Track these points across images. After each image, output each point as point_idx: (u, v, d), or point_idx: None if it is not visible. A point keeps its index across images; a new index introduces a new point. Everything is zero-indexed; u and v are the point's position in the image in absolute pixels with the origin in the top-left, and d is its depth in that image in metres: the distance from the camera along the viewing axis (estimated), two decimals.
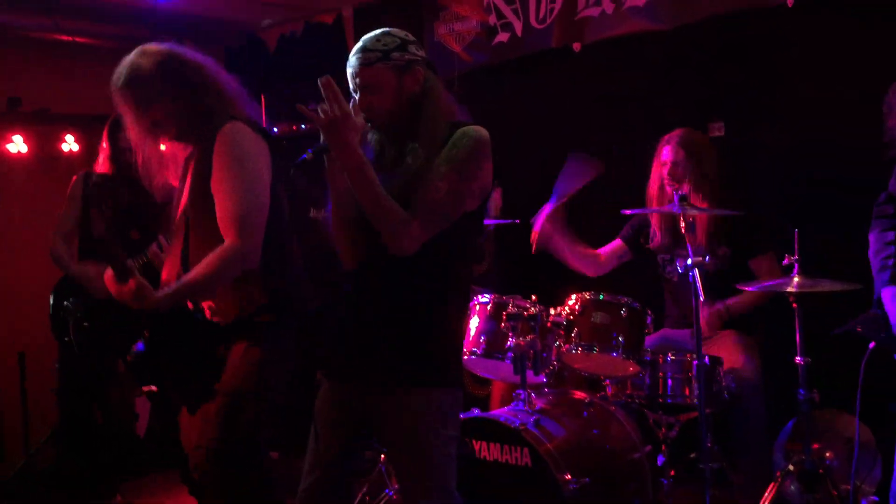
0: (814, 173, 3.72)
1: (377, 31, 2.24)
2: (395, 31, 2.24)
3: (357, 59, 2.19)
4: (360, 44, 2.21)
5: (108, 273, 2.42)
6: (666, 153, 3.65)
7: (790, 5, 3.69)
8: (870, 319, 1.97)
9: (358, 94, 2.21)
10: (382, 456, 3.56)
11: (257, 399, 2.48)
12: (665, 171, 3.63)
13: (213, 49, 5.74)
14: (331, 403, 2.30)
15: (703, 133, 3.95)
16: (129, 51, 2.58)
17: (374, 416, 2.24)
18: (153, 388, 2.62)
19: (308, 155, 2.08)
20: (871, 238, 1.99)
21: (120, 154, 3.75)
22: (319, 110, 2.06)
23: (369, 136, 2.27)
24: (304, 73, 2.81)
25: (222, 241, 2.42)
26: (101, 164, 3.87)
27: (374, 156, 2.24)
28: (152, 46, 2.57)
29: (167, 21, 5.27)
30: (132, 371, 2.67)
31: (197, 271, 2.42)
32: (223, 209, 2.43)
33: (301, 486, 2.29)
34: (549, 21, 4.52)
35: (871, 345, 2.02)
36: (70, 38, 5.22)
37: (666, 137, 3.70)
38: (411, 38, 2.25)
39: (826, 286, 2.99)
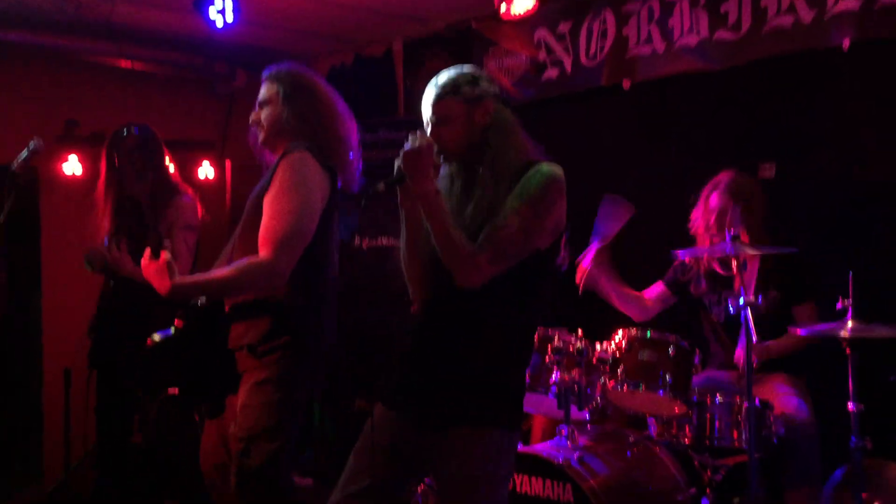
0: (868, 215, 3.67)
1: (451, 67, 2.33)
2: (468, 66, 2.34)
3: (430, 93, 2.29)
4: (433, 79, 2.30)
5: (146, 253, 2.47)
6: (714, 200, 3.62)
7: (845, 49, 3.67)
8: None
9: (430, 126, 2.28)
10: (421, 486, 3.54)
11: (270, 440, 2.50)
12: (712, 218, 3.60)
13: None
14: (384, 429, 2.27)
15: (753, 174, 3.92)
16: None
17: (429, 452, 2.22)
18: (175, 390, 2.61)
19: (381, 185, 2.13)
20: None
21: (115, 173, 3.77)
22: (409, 137, 2.14)
23: (440, 170, 2.32)
24: (354, 103, 2.87)
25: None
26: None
27: (443, 189, 2.27)
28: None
29: (222, 50, 5.40)
30: (147, 359, 2.63)
31: (222, 271, 2.49)
32: (267, 226, 2.49)
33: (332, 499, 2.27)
34: (599, 59, 4.54)
35: None
36: (129, 64, 5.36)
37: (713, 181, 3.67)
38: (484, 74, 2.34)
39: (881, 332, 2.93)
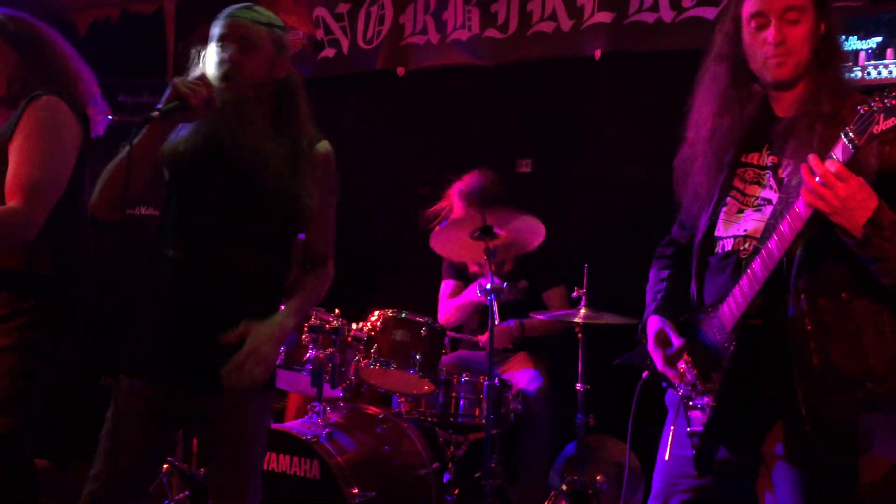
0: (608, 213, 4.00)
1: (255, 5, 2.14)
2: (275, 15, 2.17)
3: (242, 11, 2.07)
4: (241, 4, 2.10)
5: None
6: (459, 209, 3.75)
7: (597, 58, 3.98)
8: (644, 350, 2.15)
9: (227, 47, 2.03)
10: (165, 466, 3.42)
11: (9, 412, 2.29)
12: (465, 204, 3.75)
13: None
14: (140, 405, 2.10)
15: (512, 168, 4.16)
16: None
17: (199, 416, 2.11)
18: None
19: (155, 113, 1.86)
20: (650, 275, 2.18)
21: None
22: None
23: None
24: (118, 62, 2.69)
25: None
26: None
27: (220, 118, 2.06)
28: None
29: None
30: None
31: None
32: (16, 173, 2.26)
33: (86, 490, 2.08)
34: (375, 43, 4.60)
35: (644, 374, 2.20)
36: None
37: (458, 188, 3.80)
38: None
39: (609, 319, 3.23)
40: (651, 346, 2.01)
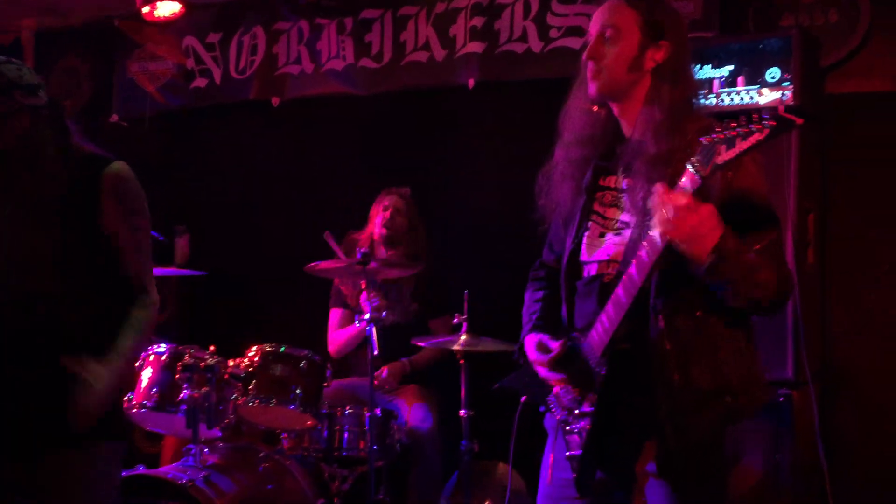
0: (485, 239, 4.06)
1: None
2: (6, 67, 2.02)
3: None
4: None
5: None
6: (387, 201, 3.88)
7: (471, 87, 4.05)
8: (522, 374, 2.16)
9: None
10: None
11: None
12: (387, 215, 3.83)
13: None
14: None
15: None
16: None
17: (18, 485, 1.95)
18: None
19: None
20: (525, 297, 2.21)
21: None
22: None
23: None
24: None
25: None
26: None
27: None
28: None
29: None
30: None
31: None
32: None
33: None
34: (248, 72, 4.53)
35: (523, 398, 2.21)
36: None
37: (381, 202, 3.93)
38: (26, 79, 2.03)
39: (489, 345, 3.25)
40: (533, 356, 2.02)
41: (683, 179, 1.67)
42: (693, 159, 1.66)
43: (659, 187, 1.69)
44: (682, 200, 1.65)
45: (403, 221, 3.90)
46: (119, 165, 2.07)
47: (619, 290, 1.80)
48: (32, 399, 1.95)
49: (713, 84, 3.24)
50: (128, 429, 2.25)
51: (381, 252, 3.89)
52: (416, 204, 4.10)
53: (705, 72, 3.26)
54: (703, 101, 2.83)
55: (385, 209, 3.90)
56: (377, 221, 3.89)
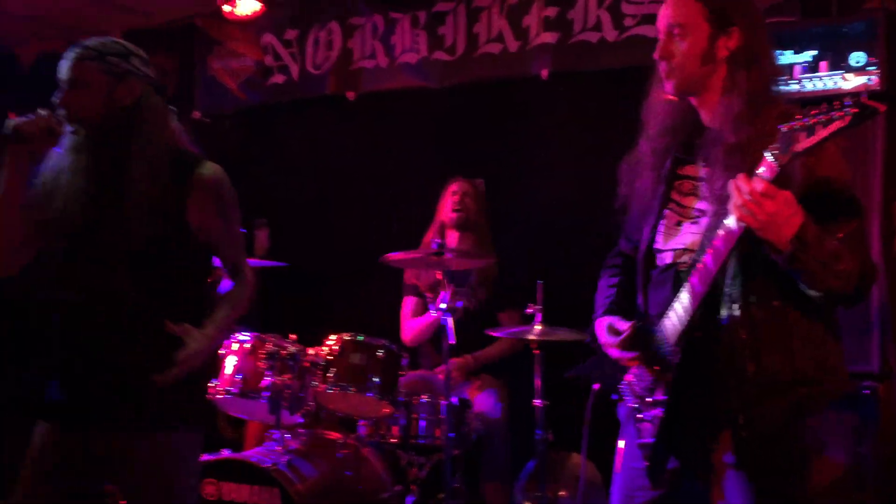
0: (560, 230, 4.05)
1: (104, 37, 2.16)
2: (122, 41, 2.17)
3: (71, 53, 2.09)
4: (81, 42, 2.12)
5: None
6: (456, 186, 3.94)
7: (544, 78, 4.05)
8: (594, 362, 2.17)
9: (59, 91, 2.08)
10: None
11: None
12: (456, 199, 3.88)
13: None
14: (47, 449, 2.07)
15: None
16: None
17: (104, 463, 2.06)
18: None
19: None
20: (599, 285, 2.22)
21: None
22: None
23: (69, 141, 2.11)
24: None
25: None
26: None
27: (64, 162, 2.09)
28: None
29: None
30: None
31: None
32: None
33: None
34: (325, 68, 4.62)
35: (595, 386, 2.22)
36: None
37: (454, 179, 4.00)
38: (141, 53, 2.16)
39: (563, 335, 3.26)
40: (603, 339, 2.02)
41: (762, 167, 1.66)
42: (772, 146, 1.64)
43: (739, 177, 1.68)
44: (760, 187, 1.64)
45: (473, 204, 3.94)
46: (211, 167, 2.17)
47: (694, 279, 1.80)
48: (125, 380, 2.06)
49: (794, 70, 3.16)
50: (210, 416, 2.35)
51: (453, 238, 3.93)
52: (486, 196, 4.12)
53: (787, 57, 3.18)
54: (784, 87, 2.78)
55: (454, 193, 3.96)
56: (447, 206, 3.93)
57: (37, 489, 2.05)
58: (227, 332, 2.30)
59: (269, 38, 4.74)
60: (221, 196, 2.17)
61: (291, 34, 4.70)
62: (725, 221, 1.72)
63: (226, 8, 4.12)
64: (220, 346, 2.21)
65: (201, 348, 2.08)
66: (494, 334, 3.46)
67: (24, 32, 5.18)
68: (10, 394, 2.14)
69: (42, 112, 2.02)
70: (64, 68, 2.09)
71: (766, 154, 1.66)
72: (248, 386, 3.25)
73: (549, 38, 4.04)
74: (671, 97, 1.95)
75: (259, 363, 3.23)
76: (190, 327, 2.08)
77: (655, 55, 1.92)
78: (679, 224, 1.95)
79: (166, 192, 2.09)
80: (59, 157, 2.10)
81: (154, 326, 2.07)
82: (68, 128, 2.07)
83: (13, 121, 1.99)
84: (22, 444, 2.11)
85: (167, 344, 2.06)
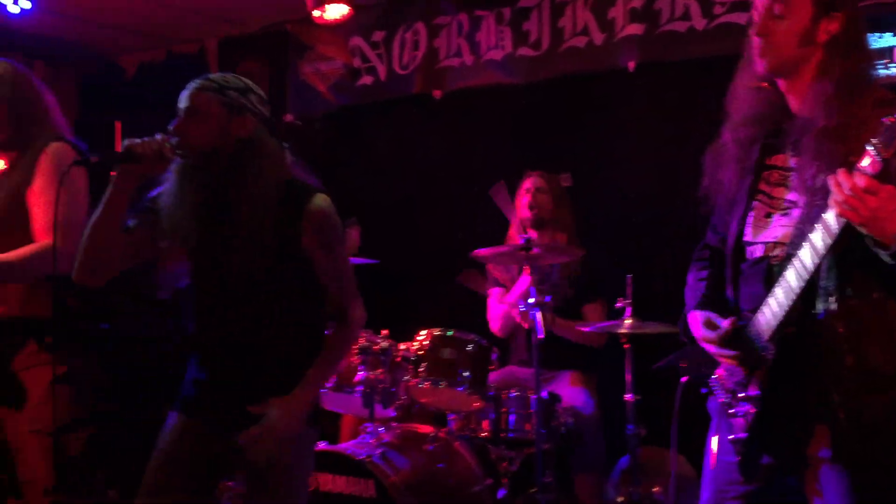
0: (647, 224, 4.00)
1: (226, 72, 2.27)
2: (244, 78, 2.23)
3: (192, 83, 2.17)
4: (206, 75, 2.21)
5: None
6: (529, 182, 3.88)
7: (631, 70, 4.01)
8: (683, 355, 2.15)
9: (177, 118, 2.14)
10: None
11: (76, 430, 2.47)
12: (529, 197, 3.83)
13: (67, 72, 5.58)
14: (182, 439, 2.19)
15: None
16: None
17: (236, 455, 2.16)
18: None
19: (96, 156, 2.14)
20: (689, 278, 2.19)
21: None
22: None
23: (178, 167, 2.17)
24: (165, 101, 2.80)
25: None
26: None
27: (177, 185, 2.16)
28: None
29: (19, 40, 5.10)
30: None
31: (8, 254, 2.49)
32: (44, 216, 2.50)
33: None
34: (411, 68, 4.69)
35: (683, 379, 2.20)
36: None
37: (528, 174, 3.94)
38: (258, 91, 2.23)
39: (654, 328, 3.22)
40: (700, 333, 1.99)
41: (863, 161, 1.61)
42: (874, 140, 1.59)
43: (840, 173, 1.63)
44: (862, 183, 1.59)
45: (547, 199, 3.86)
46: (321, 200, 2.20)
47: (790, 274, 1.76)
48: (264, 390, 2.17)
49: (894, 53, 3.04)
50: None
51: (532, 236, 3.91)
52: (566, 187, 4.08)
53: (886, 40, 3.06)
54: (884, 70, 2.67)
55: (527, 191, 3.87)
56: (522, 205, 3.89)
57: (170, 480, 2.16)
58: (319, 389, 2.29)
59: (356, 40, 4.84)
60: (323, 228, 2.19)
61: (378, 36, 4.78)
62: (824, 216, 1.68)
63: (315, 13, 4.23)
64: (310, 406, 2.22)
65: (284, 430, 2.12)
66: (585, 330, 3.46)
67: (127, 43, 5.44)
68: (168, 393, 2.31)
69: (157, 136, 2.08)
70: (183, 97, 2.15)
71: (867, 147, 1.60)
72: (342, 381, 3.34)
73: (635, 29, 4.00)
74: (760, 81, 1.91)
75: (353, 358, 3.31)
76: (272, 406, 2.12)
77: (752, 31, 1.87)
78: (769, 216, 1.91)
79: (280, 224, 2.14)
80: (167, 182, 2.18)
81: (292, 326, 2.20)
82: (178, 155, 2.12)
83: (128, 141, 2.07)
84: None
85: (303, 344, 2.21)
